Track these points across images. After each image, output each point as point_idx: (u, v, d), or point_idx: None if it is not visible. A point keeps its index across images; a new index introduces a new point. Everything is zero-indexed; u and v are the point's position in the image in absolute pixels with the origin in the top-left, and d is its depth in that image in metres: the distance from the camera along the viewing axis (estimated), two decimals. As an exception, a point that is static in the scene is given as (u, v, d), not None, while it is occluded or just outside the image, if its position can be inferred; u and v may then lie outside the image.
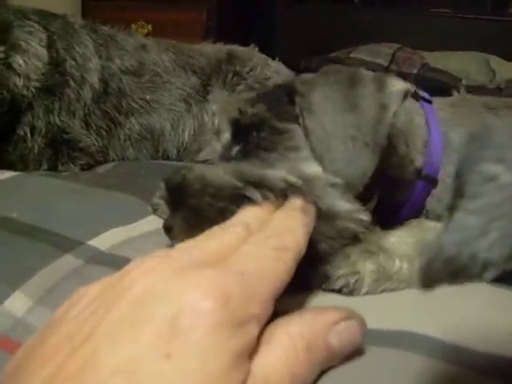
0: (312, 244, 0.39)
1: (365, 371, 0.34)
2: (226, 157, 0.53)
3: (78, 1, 2.39)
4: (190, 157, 1.07)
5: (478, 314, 0.42)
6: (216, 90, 1.10)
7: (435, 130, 0.56)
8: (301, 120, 0.50)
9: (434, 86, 1.84)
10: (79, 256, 0.53)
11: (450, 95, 0.73)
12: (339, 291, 0.45)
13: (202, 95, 1.10)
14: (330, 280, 0.44)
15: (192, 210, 0.43)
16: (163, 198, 0.48)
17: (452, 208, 0.25)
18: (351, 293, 0.44)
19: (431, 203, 0.55)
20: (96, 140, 0.99)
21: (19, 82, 0.88)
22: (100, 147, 1.00)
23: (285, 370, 0.29)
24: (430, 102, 0.59)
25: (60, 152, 0.94)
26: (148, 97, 1.04)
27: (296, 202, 0.41)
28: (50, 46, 0.94)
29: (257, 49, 1.23)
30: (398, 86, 0.51)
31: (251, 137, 0.50)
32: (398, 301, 0.44)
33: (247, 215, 0.40)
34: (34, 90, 0.91)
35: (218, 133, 0.55)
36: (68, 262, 0.52)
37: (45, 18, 0.98)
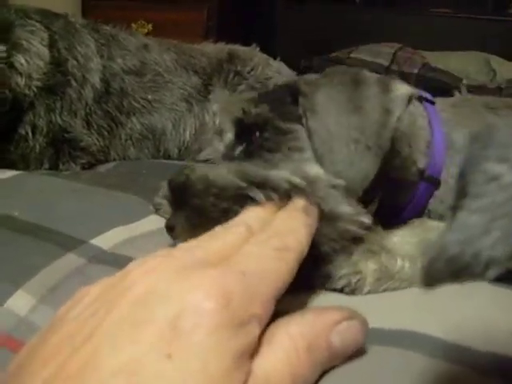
0: (314, 245, 0.39)
1: (367, 370, 0.34)
2: (228, 156, 0.52)
3: (79, 0, 2.39)
4: (191, 156, 1.07)
5: (479, 314, 0.42)
6: (217, 90, 1.10)
7: (438, 131, 0.56)
8: (304, 120, 0.49)
9: (434, 85, 1.84)
10: (82, 255, 0.53)
11: (451, 95, 0.73)
12: (341, 290, 0.45)
13: (204, 95, 1.10)
14: (331, 279, 0.44)
15: (195, 210, 0.43)
16: (166, 198, 0.48)
17: (455, 208, 0.25)
18: (353, 292, 0.45)
19: (434, 204, 0.55)
20: (97, 139, 0.99)
21: (21, 81, 0.88)
22: (101, 147, 1.00)
23: (286, 371, 0.29)
24: (432, 102, 0.59)
25: (61, 151, 0.94)
26: (150, 96, 1.04)
27: (299, 203, 0.41)
28: (52, 45, 0.94)
29: (258, 48, 1.23)
30: (402, 89, 0.51)
31: (254, 137, 0.50)
32: (399, 300, 0.44)
33: (250, 215, 0.40)
34: (35, 90, 0.91)
35: (219, 132, 0.55)
36: (71, 260, 0.52)
37: (46, 17, 0.98)
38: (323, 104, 0.50)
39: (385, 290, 0.45)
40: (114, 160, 1.03)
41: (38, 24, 0.94)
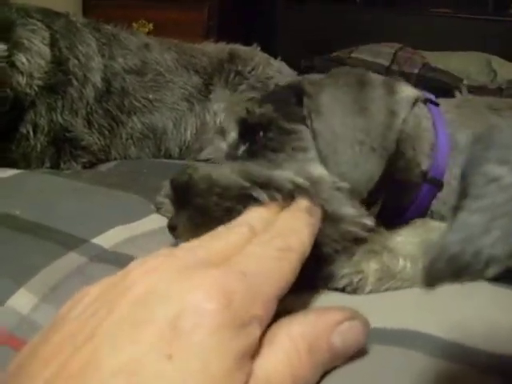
0: (316, 245, 0.39)
1: (368, 369, 0.34)
2: (232, 156, 0.52)
3: (79, -1, 2.39)
4: (192, 155, 1.08)
5: (479, 314, 0.42)
6: (218, 90, 1.10)
7: (442, 133, 0.56)
8: (308, 121, 0.49)
9: (435, 85, 1.84)
10: (83, 254, 0.53)
11: (452, 95, 0.73)
12: (343, 290, 0.45)
13: (204, 94, 1.10)
14: (333, 279, 0.44)
15: (198, 210, 0.43)
16: (168, 197, 0.48)
17: (456, 208, 0.25)
18: (355, 291, 0.45)
19: (436, 205, 0.55)
20: (98, 138, 1.00)
21: (22, 80, 0.88)
22: (102, 146, 1.00)
23: (286, 372, 0.29)
24: (436, 104, 0.59)
25: (62, 150, 0.94)
26: (150, 96, 1.04)
27: (302, 203, 0.41)
28: (53, 44, 0.94)
29: (259, 48, 1.23)
30: (407, 92, 0.51)
31: (258, 137, 0.50)
32: (401, 300, 0.44)
33: (253, 216, 0.39)
34: (36, 89, 0.91)
35: (221, 131, 0.55)
36: (72, 259, 0.52)
37: (48, 16, 0.98)
38: (328, 105, 0.50)
39: (386, 290, 0.45)
40: (115, 159, 1.03)
41: (39, 23, 0.94)
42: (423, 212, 0.55)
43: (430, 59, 2.18)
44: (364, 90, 0.51)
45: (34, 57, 0.90)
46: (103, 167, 0.98)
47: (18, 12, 0.94)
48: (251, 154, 0.51)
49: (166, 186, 0.51)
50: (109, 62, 1.01)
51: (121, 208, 0.66)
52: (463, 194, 0.25)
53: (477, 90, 1.88)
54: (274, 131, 0.50)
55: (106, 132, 1.01)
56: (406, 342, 0.37)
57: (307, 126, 0.50)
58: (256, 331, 0.29)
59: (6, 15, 0.92)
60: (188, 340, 0.26)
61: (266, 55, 1.23)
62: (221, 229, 0.37)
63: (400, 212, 0.55)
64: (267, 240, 0.35)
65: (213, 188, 0.42)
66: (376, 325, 0.37)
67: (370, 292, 0.45)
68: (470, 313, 0.42)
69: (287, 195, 0.41)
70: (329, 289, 0.45)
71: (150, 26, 2.28)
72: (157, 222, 0.60)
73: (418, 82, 1.96)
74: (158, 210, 0.61)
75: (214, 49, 1.19)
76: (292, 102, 0.52)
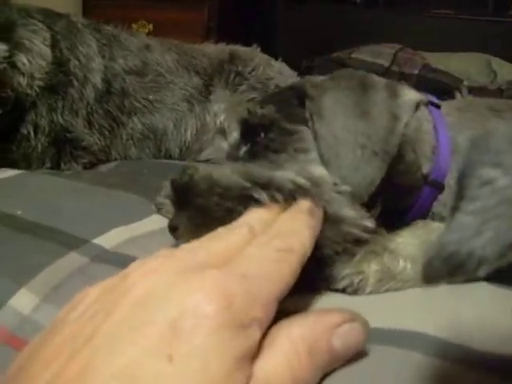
0: (317, 247, 0.39)
1: (368, 369, 0.35)
2: (233, 156, 0.52)
3: (79, -1, 2.39)
4: (192, 156, 1.08)
5: (478, 314, 0.42)
6: (218, 90, 1.10)
7: (443, 135, 0.56)
8: (310, 124, 0.49)
9: (435, 86, 1.84)
10: (84, 254, 0.54)
11: (452, 96, 0.73)
12: (343, 291, 0.45)
13: (205, 95, 1.10)
14: (334, 280, 0.45)
15: (199, 210, 0.43)
16: (168, 197, 0.48)
17: (454, 209, 0.26)
18: (355, 292, 0.45)
19: (437, 207, 0.55)
20: (99, 139, 1.00)
21: (23, 80, 0.88)
22: (102, 146, 1.00)
23: (286, 374, 0.29)
24: (437, 106, 0.59)
25: (63, 151, 0.95)
26: (151, 97, 1.04)
27: (303, 204, 0.40)
28: (54, 45, 0.95)
29: (259, 49, 1.23)
30: (410, 95, 0.51)
31: (260, 137, 0.50)
32: (401, 300, 0.44)
33: (253, 217, 0.39)
34: (37, 89, 0.91)
35: (221, 132, 0.55)
36: (73, 259, 0.52)
37: (49, 17, 0.98)
38: (330, 108, 0.50)
39: (387, 291, 0.45)
40: (116, 160, 1.03)
41: (40, 24, 0.94)
42: (424, 214, 0.55)
43: (430, 60, 2.18)
44: (366, 93, 0.50)
45: (34, 57, 0.90)
46: (104, 168, 0.98)
47: (19, 13, 0.94)
48: (253, 155, 0.51)
49: (167, 187, 0.51)
50: (109, 63, 1.01)
51: (121, 208, 0.66)
52: (460, 195, 0.26)
53: (477, 90, 1.87)
54: (276, 132, 0.50)
55: (107, 132, 1.01)
56: (405, 342, 0.38)
57: (309, 127, 0.49)
58: (256, 333, 0.29)
59: (7, 16, 0.92)
60: (188, 341, 0.26)
61: (266, 56, 1.23)
62: (221, 230, 0.37)
63: (401, 214, 0.55)
64: (267, 241, 0.35)
65: (214, 188, 0.42)
66: (375, 325, 0.38)
67: (371, 293, 0.45)
68: (468, 313, 0.42)
69: (288, 196, 0.41)
70: (330, 290, 0.45)
71: (150, 26, 2.28)
72: (157, 222, 0.60)
73: (418, 82, 1.96)
74: (159, 210, 0.61)
75: (215, 49, 1.19)
76: (294, 104, 0.52)
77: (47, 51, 0.92)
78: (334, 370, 0.33)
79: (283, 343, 0.30)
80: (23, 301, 0.46)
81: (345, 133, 0.48)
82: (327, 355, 0.32)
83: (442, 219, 0.54)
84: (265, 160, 0.49)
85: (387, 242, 0.47)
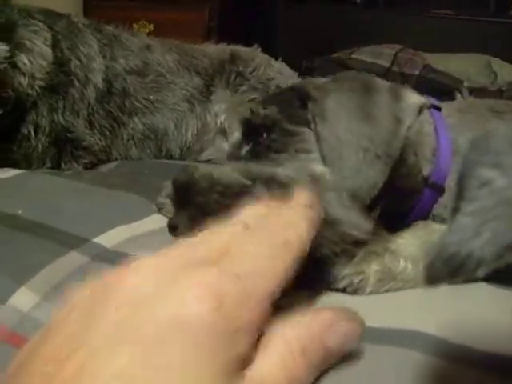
0: (315, 247, 0.39)
1: (368, 369, 0.35)
2: (234, 156, 0.53)
3: (80, 0, 2.39)
4: (193, 156, 1.08)
5: (479, 314, 0.42)
6: (219, 91, 1.11)
7: (444, 137, 0.56)
8: (313, 125, 0.49)
9: (435, 87, 1.84)
10: (85, 253, 0.54)
11: (453, 97, 0.73)
12: (343, 290, 0.45)
13: (205, 95, 1.10)
14: (334, 280, 0.45)
15: (199, 208, 0.43)
16: (169, 197, 0.48)
17: (455, 210, 0.26)
18: (355, 292, 0.45)
19: (438, 209, 0.55)
20: (99, 139, 1.00)
21: (24, 80, 0.88)
22: (103, 146, 1.01)
23: (281, 375, 0.29)
24: (438, 108, 0.59)
25: (64, 151, 0.95)
26: (152, 97, 1.04)
27: (301, 197, 0.39)
28: (55, 45, 0.95)
29: (259, 49, 1.24)
30: (413, 99, 0.51)
31: (262, 138, 0.50)
32: (401, 300, 0.44)
33: (248, 213, 0.39)
34: (38, 89, 0.91)
35: (222, 132, 0.56)
36: (74, 258, 0.52)
37: (50, 17, 0.98)
38: (333, 110, 0.50)
39: (387, 291, 0.45)
40: (116, 160, 1.03)
41: (41, 24, 0.94)
42: (425, 216, 0.55)
43: (430, 61, 2.18)
44: (369, 95, 0.50)
45: (35, 58, 0.91)
46: (104, 168, 0.98)
47: (20, 13, 0.94)
48: (254, 155, 0.51)
49: (168, 187, 0.51)
50: (110, 63, 1.02)
51: (122, 208, 0.66)
52: (460, 196, 0.26)
53: (477, 91, 1.88)
54: (278, 133, 0.50)
55: (107, 133, 1.01)
56: (406, 341, 0.38)
57: (311, 129, 0.49)
58: (249, 334, 0.29)
59: (8, 16, 0.92)
60: (178, 342, 0.26)
61: (266, 56, 1.23)
62: (215, 227, 0.37)
63: (402, 216, 0.55)
64: (261, 237, 0.34)
65: (214, 186, 0.42)
66: (375, 324, 0.38)
67: (371, 293, 0.45)
68: (469, 313, 0.42)
69: (287, 191, 0.41)
70: (330, 290, 0.45)
71: (151, 26, 2.28)
72: (158, 222, 0.60)
73: (419, 83, 1.96)
74: (160, 210, 0.61)
75: (215, 50, 1.20)
76: (296, 105, 0.51)
77: (48, 51, 0.92)
78: (333, 370, 0.33)
79: (277, 344, 0.30)
80: (23, 299, 0.47)
81: (348, 135, 0.48)
82: (322, 354, 0.32)
83: (442, 221, 0.54)
84: (266, 160, 0.49)
85: (388, 242, 0.47)
